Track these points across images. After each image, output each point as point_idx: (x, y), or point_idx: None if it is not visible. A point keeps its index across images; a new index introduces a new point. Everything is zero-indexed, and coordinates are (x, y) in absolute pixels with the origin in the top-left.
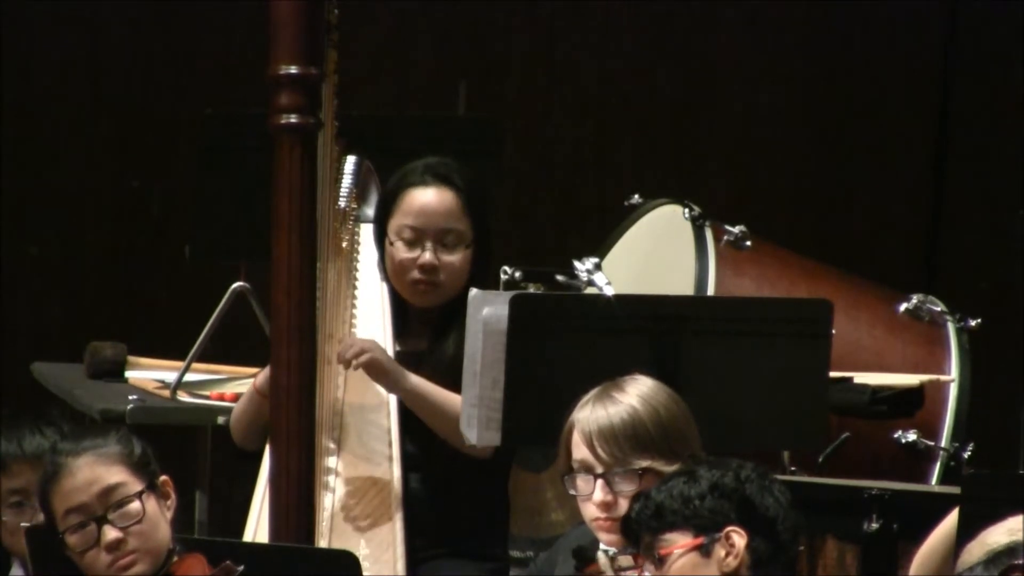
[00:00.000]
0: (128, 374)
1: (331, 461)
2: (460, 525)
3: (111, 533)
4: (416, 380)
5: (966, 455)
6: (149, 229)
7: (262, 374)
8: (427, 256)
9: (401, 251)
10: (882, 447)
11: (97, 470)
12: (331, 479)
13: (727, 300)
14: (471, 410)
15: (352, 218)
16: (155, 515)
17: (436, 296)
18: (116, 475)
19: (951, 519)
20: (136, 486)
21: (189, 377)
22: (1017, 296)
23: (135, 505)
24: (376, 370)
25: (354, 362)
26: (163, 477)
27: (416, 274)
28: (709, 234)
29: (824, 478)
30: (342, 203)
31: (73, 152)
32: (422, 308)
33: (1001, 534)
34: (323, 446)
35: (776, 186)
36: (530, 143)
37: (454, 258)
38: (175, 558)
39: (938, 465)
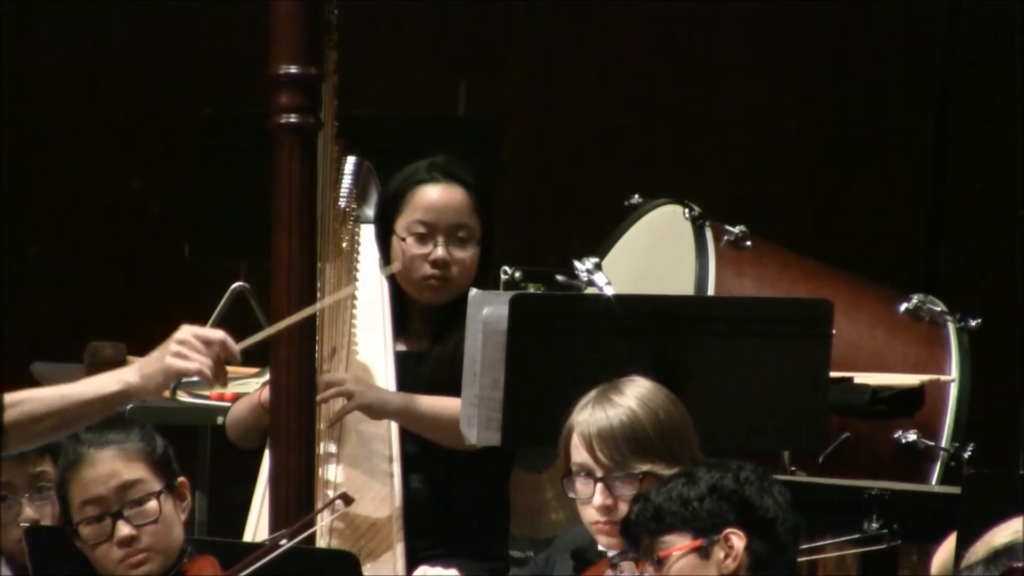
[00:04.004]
0: None
1: (331, 462)
2: (460, 525)
3: (124, 529)
4: (399, 402)
5: (966, 455)
6: (149, 229)
7: (267, 390)
8: (439, 251)
9: (412, 247)
10: (882, 447)
11: (117, 464)
12: (331, 479)
13: (727, 300)
14: (471, 410)
15: (352, 218)
16: (171, 516)
17: (446, 292)
18: (136, 471)
19: None
20: (155, 485)
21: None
22: (1017, 296)
23: (152, 504)
24: (363, 409)
25: (351, 404)
26: (181, 478)
27: (428, 270)
28: (709, 234)
29: (824, 478)
30: (342, 203)
31: (73, 152)
32: (425, 307)
33: (1006, 535)
34: (323, 447)
35: (776, 186)
36: (530, 143)
37: (465, 254)
38: (186, 559)
39: (938, 465)
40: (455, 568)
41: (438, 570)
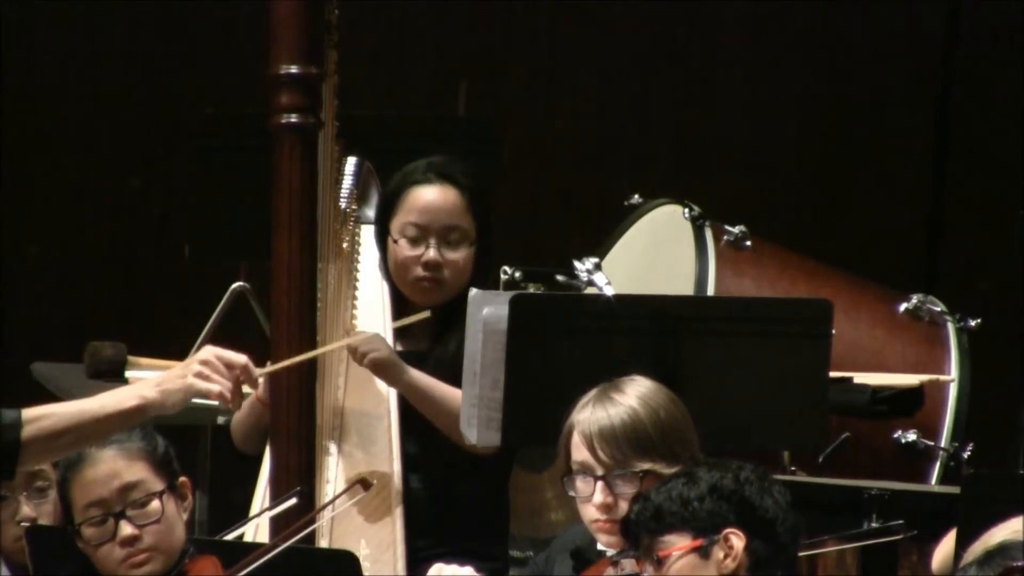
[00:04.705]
0: (128, 374)
1: (331, 461)
2: (460, 525)
3: (127, 529)
4: (415, 374)
5: (966, 455)
6: (149, 229)
7: (263, 383)
8: (431, 253)
9: (405, 249)
10: (882, 447)
11: (119, 464)
12: (331, 479)
13: (727, 300)
14: (471, 410)
15: (353, 219)
16: (173, 516)
17: (439, 294)
18: (138, 472)
19: None
20: (157, 485)
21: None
22: (1017, 296)
23: (154, 504)
24: (379, 365)
25: (367, 359)
26: (182, 478)
27: (420, 271)
28: (709, 234)
29: (824, 478)
30: (343, 204)
31: (73, 152)
32: (424, 307)
33: (1003, 535)
34: (323, 447)
35: (776, 186)
36: (530, 143)
37: (458, 256)
38: (187, 559)
39: (938, 465)
40: (471, 567)
41: (453, 568)
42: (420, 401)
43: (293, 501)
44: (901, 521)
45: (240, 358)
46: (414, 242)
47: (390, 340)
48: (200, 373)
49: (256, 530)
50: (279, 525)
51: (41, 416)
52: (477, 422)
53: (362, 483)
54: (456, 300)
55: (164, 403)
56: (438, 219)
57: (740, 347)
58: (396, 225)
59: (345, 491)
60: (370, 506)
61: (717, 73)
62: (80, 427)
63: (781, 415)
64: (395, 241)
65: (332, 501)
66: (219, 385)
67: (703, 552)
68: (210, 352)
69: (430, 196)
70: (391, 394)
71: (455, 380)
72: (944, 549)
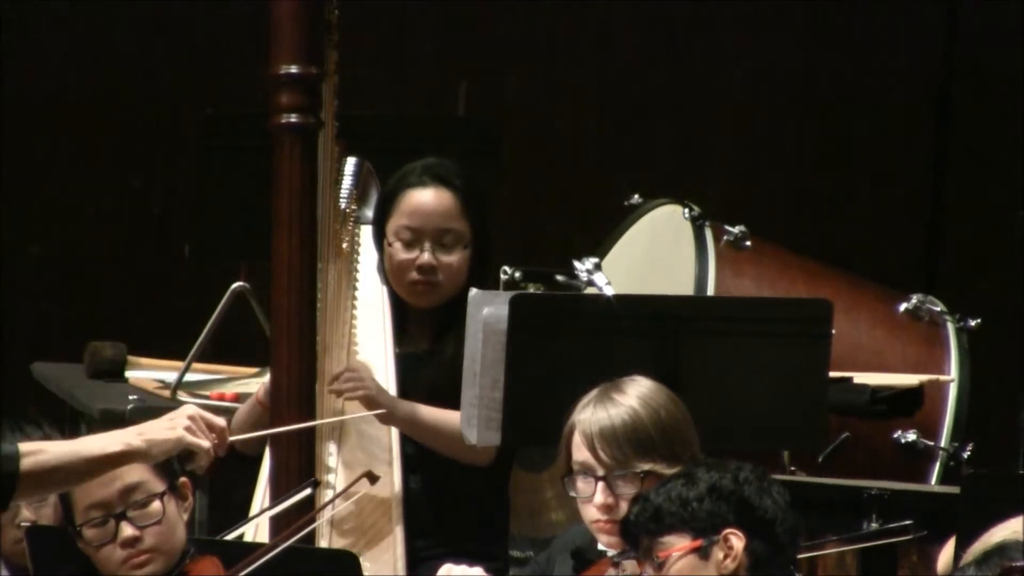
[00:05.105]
0: (128, 374)
1: (331, 462)
2: (460, 525)
3: (128, 530)
4: (408, 409)
5: (966, 455)
6: (149, 229)
7: (263, 385)
8: (425, 257)
9: (399, 252)
10: (882, 447)
11: None
12: (331, 479)
13: (727, 300)
14: (471, 410)
15: (352, 219)
16: (174, 516)
17: (435, 296)
18: (138, 473)
19: None
20: (158, 486)
21: (189, 377)
22: (1017, 296)
23: (156, 505)
24: (369, 405)
25: (347, 394)
26: (183, 479)
27: (414, 275)
28: (709, 234)
29: (824, 478)
30: (343, 204)
31: (73, 152)
32: (421, 309)
33: (1002, 535)
34: (323, 447)
35: (776, 186)
36: (530, 143)
37: (452, 258)
38: (188, 559)
39: (938, 465)
40: (480, 568)
41: (463, 568)
42: (415, 433)
43: (308, 492)
44: (910, 521)
45: (220, 421)
46: (409, 245)
47: (390, 337)
48: (190, 428)
49: (256, 530)
50: (280, 524)
51: (37, 451)
52: (477, 422)
53: (369, 476)
54: (454, 301)
55: (148, 452)
56: (432, 222)
57: (740, 347)
58: (391, 228)
59: (353, 484)
60: (370, 506)
61: (717, 73)
62: (71, 466)
63: (781, 415)
64: (390, 244)
65: (339, 495)
66: (207, 441)
67: (703, 553)
68: (194, 410)
69: (424, 199)
70: None
71: (454, 382)
72: (948, 552)
